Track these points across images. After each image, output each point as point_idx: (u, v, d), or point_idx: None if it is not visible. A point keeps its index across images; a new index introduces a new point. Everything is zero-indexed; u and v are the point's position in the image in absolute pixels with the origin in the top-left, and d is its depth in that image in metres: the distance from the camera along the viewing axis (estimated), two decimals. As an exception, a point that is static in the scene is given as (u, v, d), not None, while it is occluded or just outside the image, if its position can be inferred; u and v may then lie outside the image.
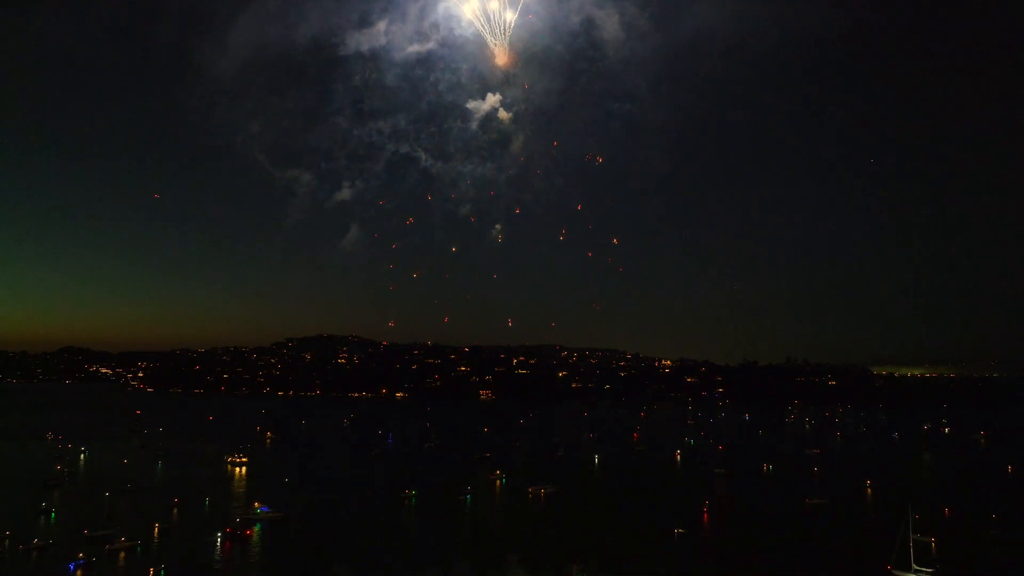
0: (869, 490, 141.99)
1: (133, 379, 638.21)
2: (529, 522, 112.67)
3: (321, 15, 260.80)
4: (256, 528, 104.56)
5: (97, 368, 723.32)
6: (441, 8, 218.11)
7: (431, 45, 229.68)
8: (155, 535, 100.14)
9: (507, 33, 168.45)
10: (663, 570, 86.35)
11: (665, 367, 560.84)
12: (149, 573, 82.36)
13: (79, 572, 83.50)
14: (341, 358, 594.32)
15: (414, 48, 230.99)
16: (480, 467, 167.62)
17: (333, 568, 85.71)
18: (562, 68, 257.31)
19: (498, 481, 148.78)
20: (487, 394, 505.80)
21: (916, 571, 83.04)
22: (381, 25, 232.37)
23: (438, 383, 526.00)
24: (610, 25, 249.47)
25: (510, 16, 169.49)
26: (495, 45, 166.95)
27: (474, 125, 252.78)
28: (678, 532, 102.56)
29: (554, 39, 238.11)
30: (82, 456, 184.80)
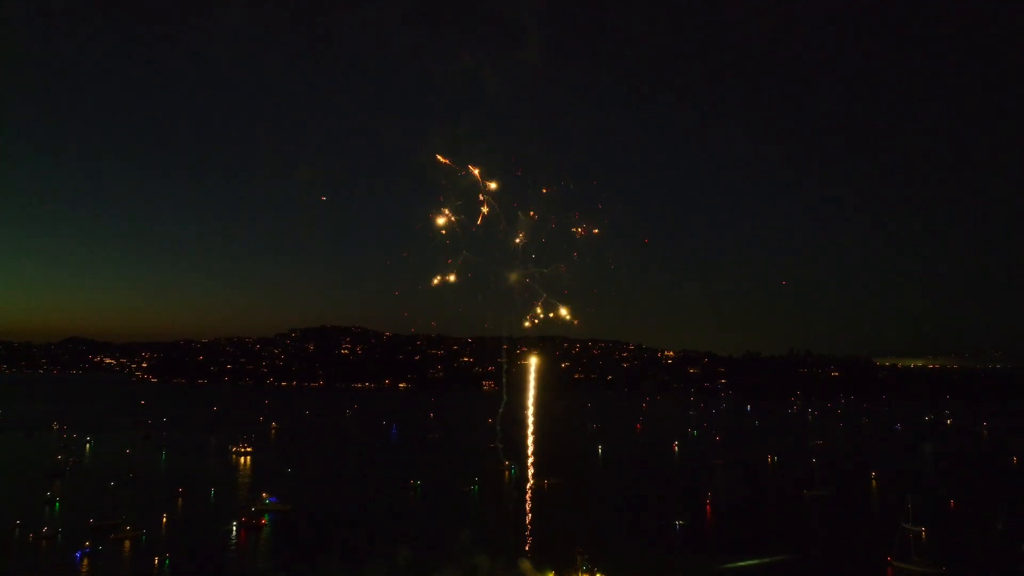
0: (873, 482, 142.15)
1: (137, 369, 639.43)
2: (533, 511, 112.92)
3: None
4: (266, 518, 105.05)
5: (101, 358, 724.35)
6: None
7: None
8: (163, 524, 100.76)
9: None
10: (665, 559, 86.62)
11: (668, 358, 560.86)
12: (154, 562, 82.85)
13: (85, 561, 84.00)
14: (344, 348, 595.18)
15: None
16: (486, 458, 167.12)
17: (341, 558, 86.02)
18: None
19: (507, 472, 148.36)
20: (490, 384, 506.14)
21: (916, 562, 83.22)
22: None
23: (441, 373, 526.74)
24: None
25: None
26: None
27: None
28: (679, 523, 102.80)
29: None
30: (87, 446, 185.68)
